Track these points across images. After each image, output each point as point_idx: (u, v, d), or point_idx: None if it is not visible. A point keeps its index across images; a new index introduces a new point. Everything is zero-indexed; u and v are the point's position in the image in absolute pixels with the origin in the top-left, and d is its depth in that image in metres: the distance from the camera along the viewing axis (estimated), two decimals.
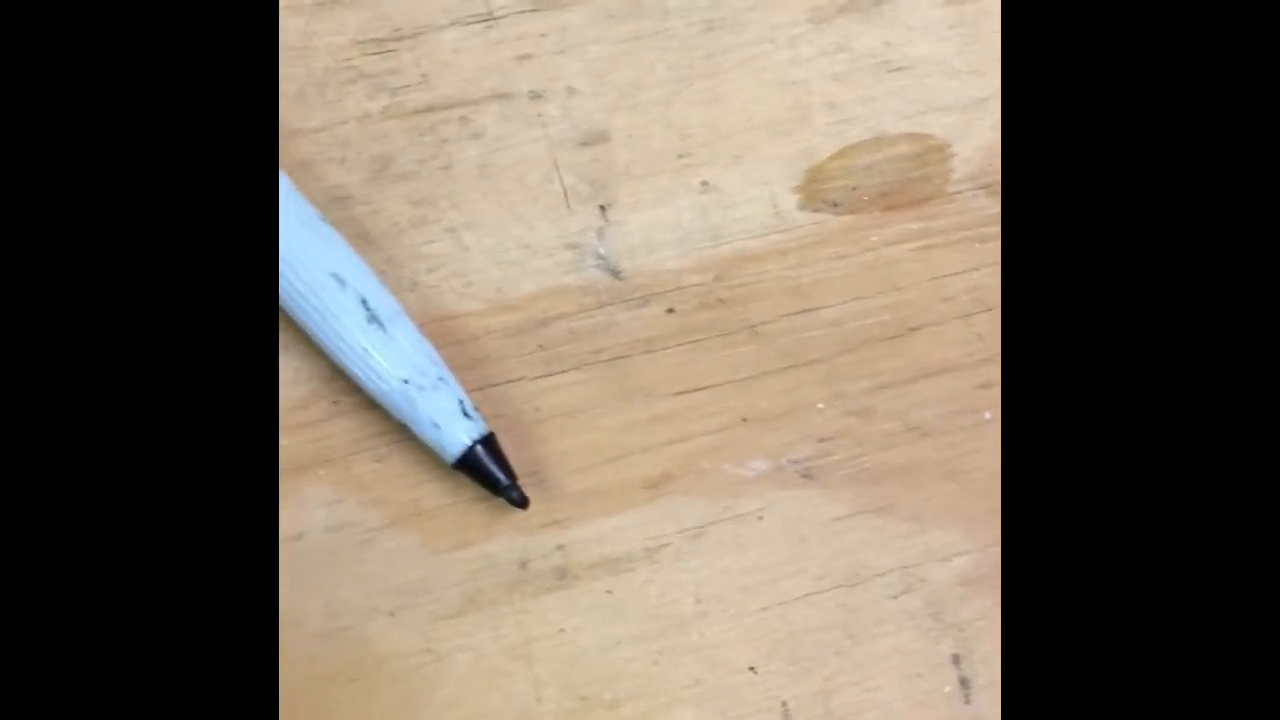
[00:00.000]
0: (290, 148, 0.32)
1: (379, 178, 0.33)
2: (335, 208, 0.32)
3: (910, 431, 0.33)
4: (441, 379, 0.30)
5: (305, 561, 0.30)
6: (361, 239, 0.32)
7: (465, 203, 0.33)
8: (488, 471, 0.30)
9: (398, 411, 0.30)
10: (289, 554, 0.30)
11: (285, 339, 0.31)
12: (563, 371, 0.32)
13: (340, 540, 0.30)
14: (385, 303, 0.30)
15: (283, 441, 0.31)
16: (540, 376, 0.32)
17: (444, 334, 0.32)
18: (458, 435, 0.30)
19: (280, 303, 0.30)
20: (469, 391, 0.31)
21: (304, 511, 0.30)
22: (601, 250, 0.33)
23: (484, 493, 0.30)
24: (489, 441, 0.30)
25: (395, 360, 0.30)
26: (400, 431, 0.31)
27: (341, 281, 0.30)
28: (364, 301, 0.30)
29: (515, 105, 0.33)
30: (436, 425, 0.30)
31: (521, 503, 0.30)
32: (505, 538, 0.31)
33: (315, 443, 0.31)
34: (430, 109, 0.33)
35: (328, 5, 0.33)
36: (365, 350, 0.29)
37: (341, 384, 0.31)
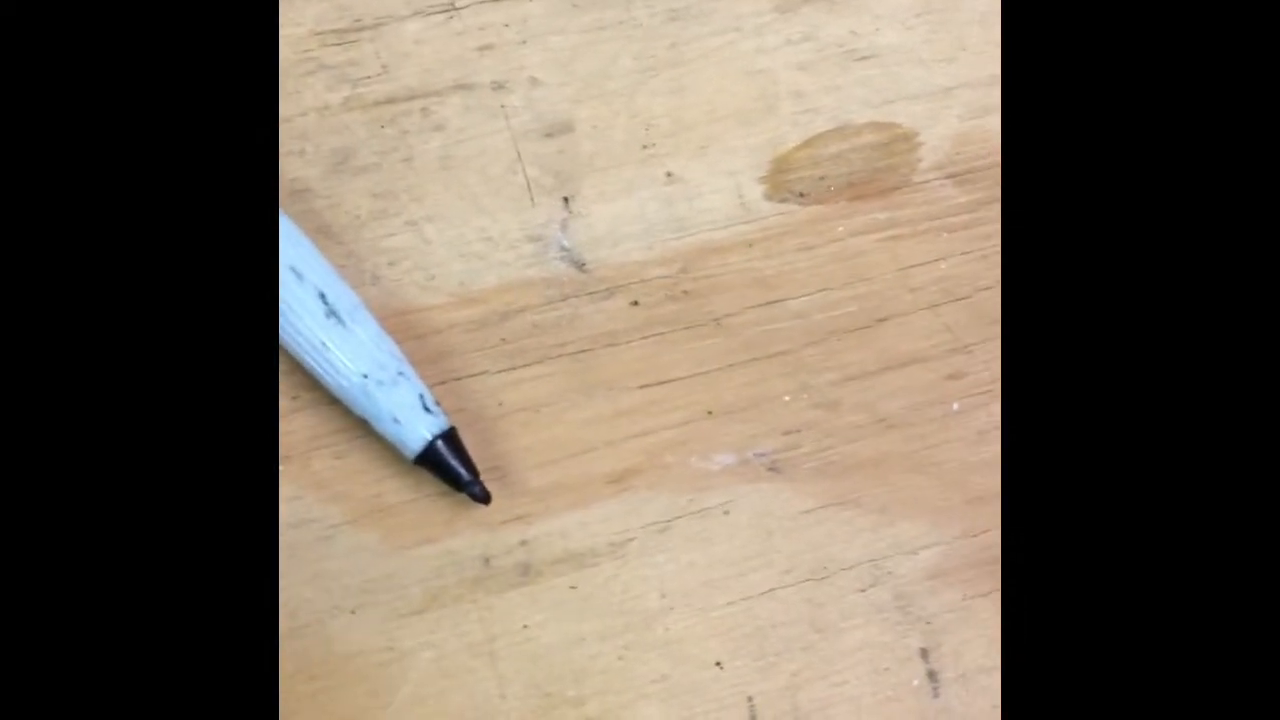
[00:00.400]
0: None
1: (339, 170, 0.32)
2: (294, 201, 0.32)
3: (877, 423, 0.32)
4: (401, 373, 0.30)
5: None
6: (321, 233, 0.32)
7: (427, 195, 0.32)
8: (449, 467, 0.30)
9: (357, 407, 0.30)
10: None
11: None
12: (526, 365, 0.32)
13: (300, 537, 0.30)
14: (344, 296, 0.30)
15: None
16: (503, 370, 0.32)
17: (406, 328, 0.31)
18: (418, 430, 0.29)
19: None
20: (431, 386, 0.30)
21: None
22: (565, 242, 0.33)
23: (446, 488, 0.30)
24: (450, 436, 0.30)
25: (354, 355, 0.29)
26: (360, 427, 0.30)
27: (299, 276, 0.29)
28: (322, 296, 0.29)
29: (477, 96, 0.33)
30: (397, 420, 0.29)
31: (484, 498, 0.30)
32: (468, 534, 0.31)
33: None
34: (391, 100, 0.33)
35: None
36: (324, 345, 0.29)
37: (300, 379, 0.31)
